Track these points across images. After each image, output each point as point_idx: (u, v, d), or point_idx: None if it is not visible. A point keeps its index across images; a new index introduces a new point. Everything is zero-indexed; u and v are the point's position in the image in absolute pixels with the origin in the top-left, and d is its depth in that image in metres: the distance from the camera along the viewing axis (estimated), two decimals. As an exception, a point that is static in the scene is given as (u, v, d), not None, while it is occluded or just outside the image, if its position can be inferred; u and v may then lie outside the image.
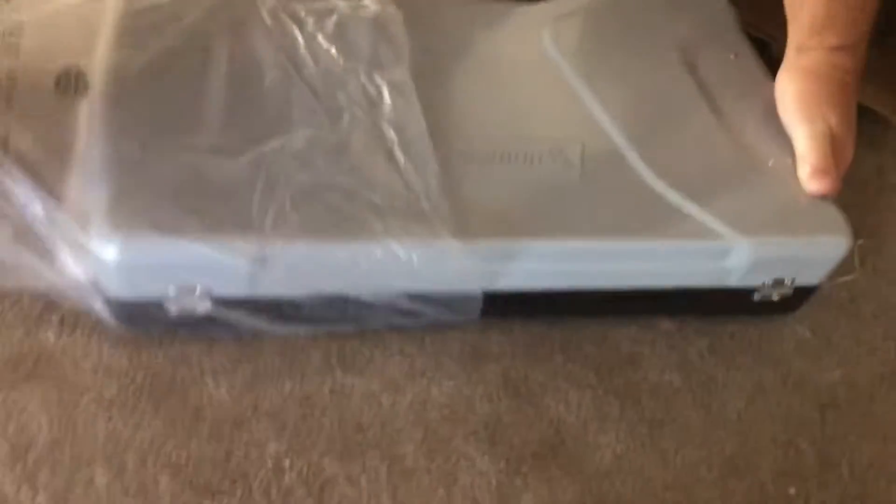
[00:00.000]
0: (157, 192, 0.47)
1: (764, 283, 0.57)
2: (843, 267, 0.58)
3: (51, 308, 0.52)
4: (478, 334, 0.56)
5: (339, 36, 0.55)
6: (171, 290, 0.47)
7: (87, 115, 0.50)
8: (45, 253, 0.47)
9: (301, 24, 0.55)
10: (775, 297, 0.59)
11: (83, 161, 0.49)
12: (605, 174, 0.56)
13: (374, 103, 0.52)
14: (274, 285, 0.48)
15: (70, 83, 0.51)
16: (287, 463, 0.48)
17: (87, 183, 0.47)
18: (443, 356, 0.55)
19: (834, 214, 0.57)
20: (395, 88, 0.53)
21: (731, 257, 0.55)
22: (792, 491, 0.54)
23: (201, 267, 0.46)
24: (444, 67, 0.59)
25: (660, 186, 0.55)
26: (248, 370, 0.51)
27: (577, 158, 0.56)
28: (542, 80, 0.61)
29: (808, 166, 0.58)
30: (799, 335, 0.62)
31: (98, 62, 0.52)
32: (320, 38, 0.55)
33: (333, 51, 0.54)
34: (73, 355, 0.50)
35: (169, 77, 0.52)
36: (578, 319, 0.58)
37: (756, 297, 0.58)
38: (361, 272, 0.48)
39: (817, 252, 0.57)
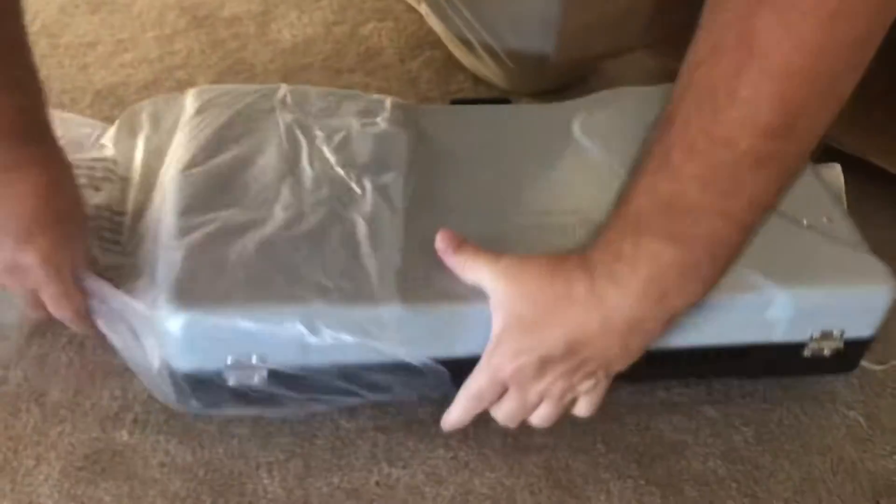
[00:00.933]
0: (213, 268, 0.51)
1: (812, 336, 0.57)
2: None
3: (126, 407, 0.57)
4: (521, 426, 0.58)
5: (342, 147, 0.60)
6: (229, 360, 0.51)
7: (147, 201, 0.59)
8: (129, 336, 0.53)
9: (310, 137, 0.61)
10: (827, 353, 0.58)
11: (146, 244, 0.56)
12: None
13: (354, 200, 0.57)
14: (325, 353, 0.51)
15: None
16: (334, 554, 0.51)
17: (152, 264, 0.54)
18: (486, 448, 0.57)
19: (876, 264, 0.57)
20: (378, 189, 0.57)
21: (773, 308, 0.55)
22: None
23: (256, 337, 0.50)
24: (476, 158, 0.63)
25: None
26: (299, 464, 0.55)
27: None
28: (572, 162, 0.64)
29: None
30: (850, 420, 0.61)
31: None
32: (325, 148, 0.60)
33: (332, 158, 0.59)
34: (143, 452, 0.55)
35: (207, 169, 0.58)
36: (618, 410, 0.59)
37: (806, 352, 0.58)
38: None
39: (861, 300, 0.57)
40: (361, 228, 0.55)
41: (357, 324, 0.50)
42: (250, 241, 0.53)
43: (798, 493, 0.57)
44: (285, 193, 0.56)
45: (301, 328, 0.49)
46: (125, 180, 0.63)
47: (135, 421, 0.57)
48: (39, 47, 0.84)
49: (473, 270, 0.51)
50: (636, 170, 0.44)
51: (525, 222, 0.58)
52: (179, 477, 0.54)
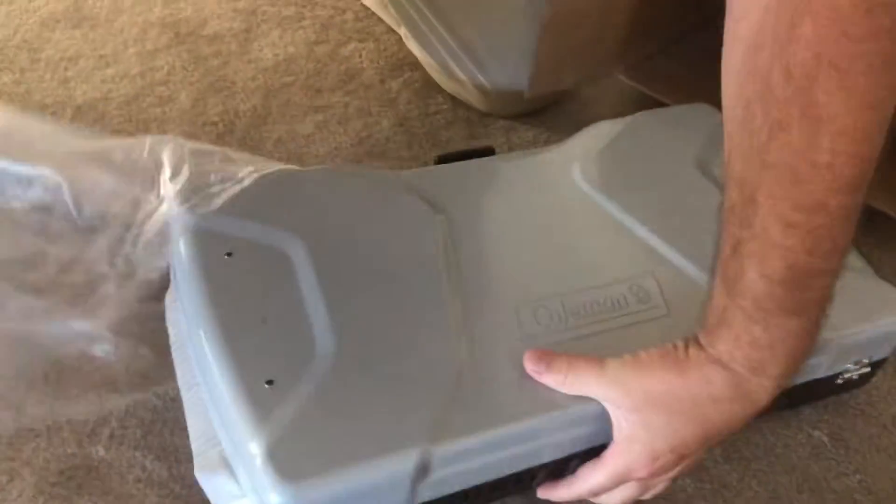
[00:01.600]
0: (308, 428, 0.47)
1: (848, 367, 0.60)
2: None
3: (103, 423, 0.57)
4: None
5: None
6: None
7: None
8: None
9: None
10: (856, 376, 0.61)
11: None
12: (685, 299, 0.57)
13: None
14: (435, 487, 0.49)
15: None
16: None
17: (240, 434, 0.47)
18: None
19: (892, 290, 0.60)
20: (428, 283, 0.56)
21: (818, 353, 0.55)
22: None
23: (369, 489, 0.46)
24: (492, 232, 0.61)
25: None
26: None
27: (656, 291, 0.58)
28: (587, 221, 0.63)
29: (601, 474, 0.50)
30: (815, 440, 0.63)
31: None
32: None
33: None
34: (119, 468, 0.55)
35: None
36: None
37: (840, 380, 0.61)
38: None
39: (889, 329, 0.59)
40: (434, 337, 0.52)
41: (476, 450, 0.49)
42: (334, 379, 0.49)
43: (764, 511, 0.58)
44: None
45: (416, 470, 0.47)
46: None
47: (111, 436, 0.57)
48: (19, 61, 0.85)
49: (578, 385, 0.49)
50: (728, 250, 0.43)
51: (578, 301, 0.56)
52: (155, 493, 0.54)
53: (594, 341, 0.54)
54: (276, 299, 0.52)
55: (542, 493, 0.54)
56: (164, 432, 0.57)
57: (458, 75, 0.83)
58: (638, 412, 0.47)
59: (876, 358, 0.61)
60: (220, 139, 0.79)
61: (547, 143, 0.83)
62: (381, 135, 0.82)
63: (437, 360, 0.51)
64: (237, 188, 0.58)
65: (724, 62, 0.42)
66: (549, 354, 0.50)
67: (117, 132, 0.78)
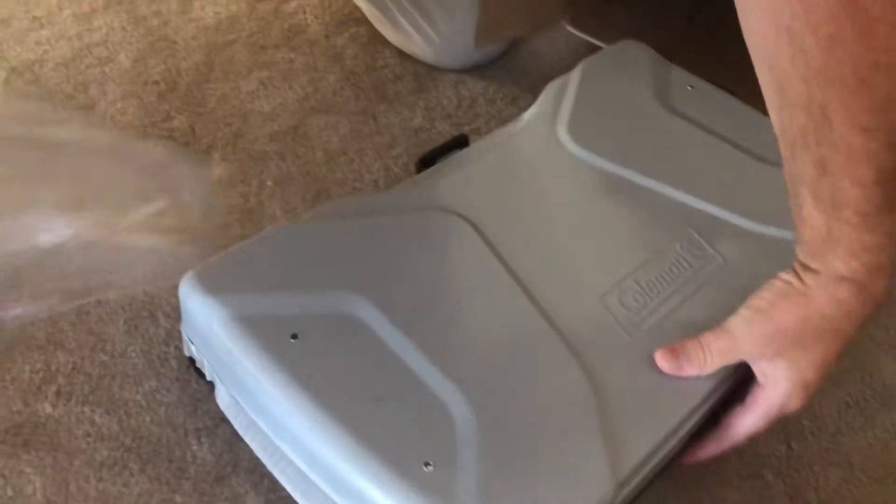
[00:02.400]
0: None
1: None
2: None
3: (49, 380, 0.56)
4: None
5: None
6: None
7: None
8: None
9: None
10: None
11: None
12: (727, 242, 0.59)
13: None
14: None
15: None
16: (264, 514, 0.52)
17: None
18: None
19: None
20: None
21: None
22: (759, 523, 0.56)
23: None
24: (518, 228, 0.58)
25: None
26: (228, 429, 0.55)
27: (702, 243, 0.59)
28: (600, 189, 0.62)
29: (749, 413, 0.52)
30: (764, 371, 0.64)
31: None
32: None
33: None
34: (68, 424, 0.54)
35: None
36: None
37: None
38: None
39: None
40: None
41: None
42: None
43: (716, 439, 0.59)
44: None
45: None
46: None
47: (58, 393, 0.56)
48: (-50, 25, 0.82)
49: (718, 361, 0.50)
50: (814, 173, 0.43)
51: (648, 275, 0.56)
52: (105, 446, 0.54)
53: (687, 309, 0.55)
54: (377, 372, 0.48)
55: (689, 459, 0.54)
56: (112, 386, 0.57)
57: (404, 27, 0.82)
58: (781, 355, 0.48)
59: None
60: (161, 98, 0.78)
61: (496, 95, 0.83)
62: (328, 90, 0.81)
63: (573, 394, 0.49)
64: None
65: (741, 2, 0.41)
66: (677, 348, 0.51)
67: (54, 93, 0.76)
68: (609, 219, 0.61)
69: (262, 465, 0.53)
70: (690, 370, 0.51)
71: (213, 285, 0.50)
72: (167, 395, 0.57)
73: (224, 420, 0.55)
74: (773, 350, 0.49)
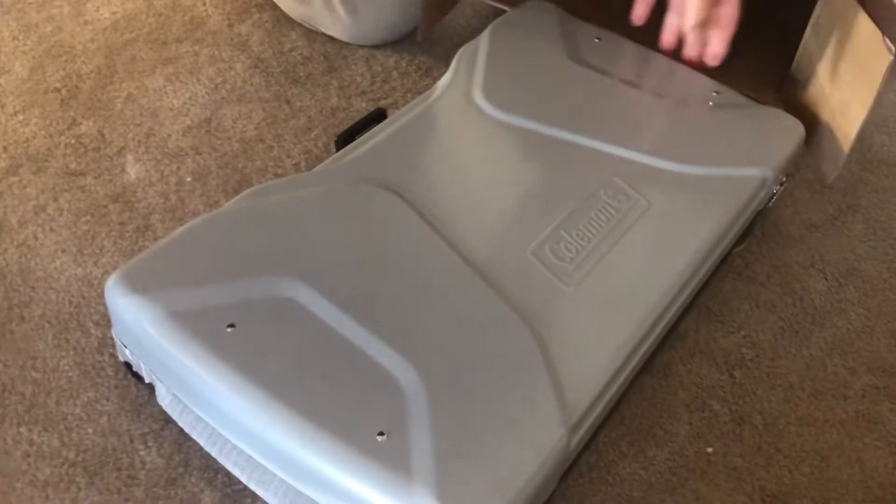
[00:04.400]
0: (454, 471, 0.44)
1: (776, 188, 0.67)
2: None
3: (-20, 406, 0.54)
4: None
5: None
6: None
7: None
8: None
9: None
10: (775, 196, 0.68)
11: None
12: (652, 186, 0.61)
13: None
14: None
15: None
16: (223, 510, 0.51)
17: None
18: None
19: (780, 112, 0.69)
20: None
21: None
22: (710, 450, 0.57)
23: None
24: (447, 193, 0.59)
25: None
26: (175, 429, 0.54)
27: (627, 187, 0.60)
28: (522, 147, 0.63)
29: None
30: (700, 306, 0.65)
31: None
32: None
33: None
34: (4, 446, 0.52)
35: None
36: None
37: (772, 201, 0.68)
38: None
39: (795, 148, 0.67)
40: None
41: None
42: None
43: (662, 378, 0.61)
44: None
45: None
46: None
47: (-9, 417, 0.54)
48: None
49: None
50: None
51: (576, 225, 0.57)
52: (48, 464, 0.52)
53: (617, 253, 0.56)
54: (318, 351, 0.47)
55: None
56: (48, 403, 0.55)
57: (316, 4, 0.81)
58: None
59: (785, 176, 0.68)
60: (65, 104, 0.75)
61: (409, 67, 0.82)
62: (237, 79, 0.79)
63: (518, 350, 0.49)
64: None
65: None
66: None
67: (-51, 111, 0.73)
68: (532, 175, 0.62)
69: (215, 461, 0.52)
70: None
71: (140, 284, 0.49)
72: (107, 405, 0.55)
73: (169, 421, 0.54)
74: None
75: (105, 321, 0.59)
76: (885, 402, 0.61)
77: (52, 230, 0.65)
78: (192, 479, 0.52)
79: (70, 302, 0.60)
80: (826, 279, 0.69)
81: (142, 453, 0.53)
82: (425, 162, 0.61)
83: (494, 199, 0.59)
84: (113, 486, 0.51)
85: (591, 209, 0.58)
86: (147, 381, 0.52)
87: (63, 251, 0.63)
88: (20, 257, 0.63)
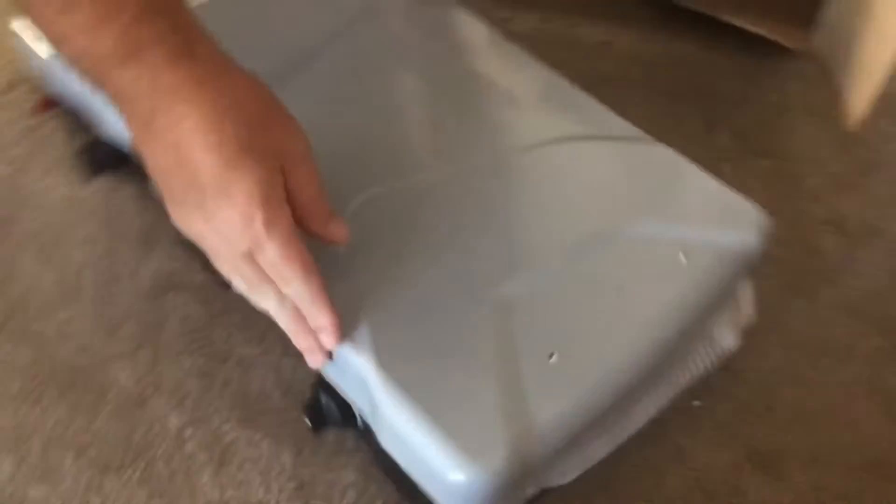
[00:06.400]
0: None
1: None
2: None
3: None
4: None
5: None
6: None
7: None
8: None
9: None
10: None
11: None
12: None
13: None
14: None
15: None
16: (188, 433, 0.50)
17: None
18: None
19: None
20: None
21: None
22: (696, 403, 0.55)
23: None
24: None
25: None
26: (148, 352, 0.53)
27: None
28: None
29: None
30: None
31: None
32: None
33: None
34: (-22, 359, 0.53)
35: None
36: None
37: None
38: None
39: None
40: None
41: None
42: None
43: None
44: None
45: None
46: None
47: (-32, 329, 0.54)
48: None
49: None
50: None
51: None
52: (20, 376, 0.52)
53: None
54: None
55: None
56: (24, 321, 0.54)
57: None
58: None
59: None
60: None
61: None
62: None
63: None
64: None
65: None
66: None
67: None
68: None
69: (185, 385, 0.52)
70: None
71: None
72: (80, 326, 0.55)
73: (143, 345, 0.54)
74: None
75: (91, 240, 0.58)
76: (890, 365, 0.58)
77: (45, 150, 0.64)
78: (161, 402, 0.51)
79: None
80: (844, 236, 0.65)
81: (112, 374, 0.53)
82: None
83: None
84: (81, 402, 0.51)
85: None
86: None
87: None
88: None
